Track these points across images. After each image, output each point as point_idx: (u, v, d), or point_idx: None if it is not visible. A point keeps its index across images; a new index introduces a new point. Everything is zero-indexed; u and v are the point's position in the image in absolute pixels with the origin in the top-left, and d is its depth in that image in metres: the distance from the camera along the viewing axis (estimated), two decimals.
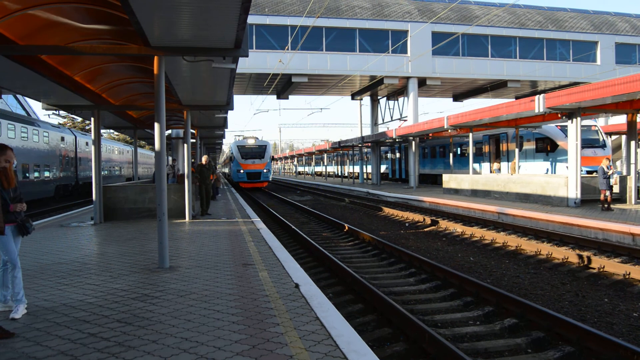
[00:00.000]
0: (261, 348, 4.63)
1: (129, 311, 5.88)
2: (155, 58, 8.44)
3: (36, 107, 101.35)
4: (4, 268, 5.94)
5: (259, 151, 42.67)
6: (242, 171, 41.40)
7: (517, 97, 44.28)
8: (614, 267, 10.20)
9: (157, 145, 8.53)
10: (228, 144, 70.22)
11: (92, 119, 15.21)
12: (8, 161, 5.75)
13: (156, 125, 8.48)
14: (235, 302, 6.18)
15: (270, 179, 47.78)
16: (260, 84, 39.35)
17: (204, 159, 17.87)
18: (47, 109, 15.58)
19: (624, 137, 32.76)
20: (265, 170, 42.19)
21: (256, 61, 32.89)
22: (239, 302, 6.14)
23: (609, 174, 16.81)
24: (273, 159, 53.22)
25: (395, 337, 6.54)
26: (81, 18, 8.48)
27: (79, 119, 60.54)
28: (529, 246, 12.67)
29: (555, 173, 26.05)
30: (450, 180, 27.87)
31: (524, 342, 6.31)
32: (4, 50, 8.45)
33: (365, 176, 49.80)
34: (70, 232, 13.30)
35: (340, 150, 58.28)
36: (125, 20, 7.85)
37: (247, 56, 8.68)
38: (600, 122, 32.91)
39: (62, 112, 17.71)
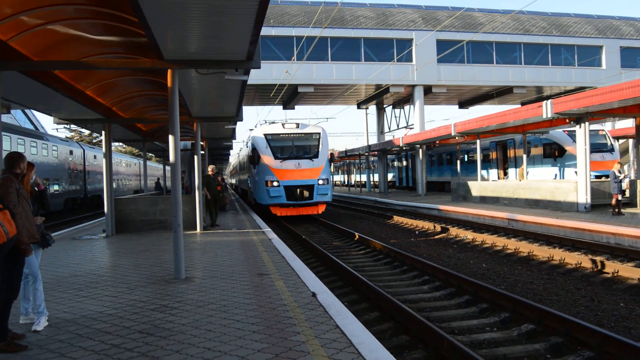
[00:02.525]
0: (284, 357, 4.66)
1: (150, 322, 5.93)
2: (169, 71, 8.53)
3: (44, 121, 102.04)
4: (25, 281, 6.00)
5: (306, 144, 23.99)
6: (276, 184, 22.30)
7: (522, 103, 44.26)
8: (628, 271, 10.17)
9: (172, 157, 8.62)
10: (236, 152, 47.74)
11: (103, 132, 15.34)
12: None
13: (170, 137, 8.56)
14: (254, 311, 6.22)
15: (331, 198, 24.55)
16: (266, 94, 39.53)
17: (210, 169, 17.92)
18: (58, 123, 15.73)
19: (631, 140, 32.76)
20: (320, 182, 22.70)
21: (262, 72, 32.99)
22: (258, 312, 6.18)
23: (620, 177, 16.76)
24: (332, 159, 26.49)
25: (413, 344, 6.55)
26: (95, 33, 8.62)
27: (86, 133, 60.95)
28: (541, 252, 12.65)
29: (563, 178, 25.99)
30: (458, 187, 27.85)
31: (543, 347, 6.32)
32: (20, 66, 8.57)
33: (372, 184, 49.79)
34: (83, 244, 13.39)
35: (347, 159, 58.30)
36: (137, 34, 7.97)
37: (259, 67, 8.77)
38: (606, 126, 32.85)
39: (66, 127, 17.89)
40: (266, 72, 32.99)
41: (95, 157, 40.77)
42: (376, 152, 43.11)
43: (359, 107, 46.81)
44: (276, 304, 6.53)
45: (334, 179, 68.48)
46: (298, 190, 22.31)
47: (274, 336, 5.24)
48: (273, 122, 25.35)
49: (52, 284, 8.18)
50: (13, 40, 7.85)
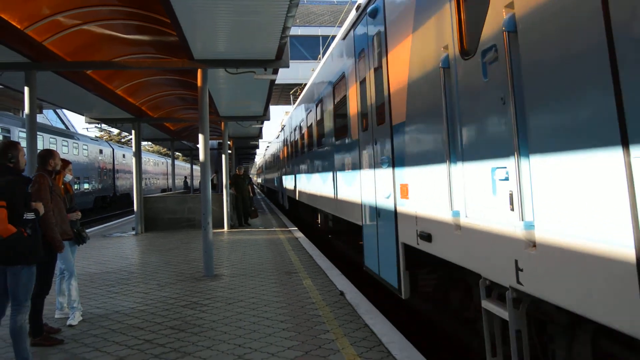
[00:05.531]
0: (314, 354, 4.68)
1: (181, 318, 6.01)
2: (199, 71, 8.64)
3: (74, 121, 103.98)
4: (61, 276, 6.15)
5: None
6: None
7: None
8: None
9: (201, 156, 8.72)
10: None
11: (133, 131, 15.60)
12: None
13: (200, 136, 8.67)
14: (283, 309, 6.25)
15: None
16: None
17: (239, 169, 18.05)
18: (89, 123, 16.02)
19: None
20: None
21: (288, 72, 33.06)
22: (287, 310, 6.22)
23: None
24: None
25: (443, 345, 6.51)
26: (127, 33, 8.78)
27: (115, 132, 61.94)
28: None
29: None
30: None
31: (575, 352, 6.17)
32: (54, 67, 8.77)
33: None
34: (114, 242, 13.63)
35: None
36: (168, 34, 8.10)
37: (288, 67, 8.81)
38: None
39: (97, 126, 18.25)
40: (292, 72, 33.10)
41: (124, 156, 41.45)
42: None
43: None
44: (305, 302, 6.56)
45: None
46: None
47: (304, 334, 5.27)
48: None
49: (85, 280, 8.35)
50: (48, 41, 8.05)
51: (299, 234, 14.00)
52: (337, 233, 11.95)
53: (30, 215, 4.47)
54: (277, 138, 28.10)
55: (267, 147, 40.60)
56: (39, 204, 4.73)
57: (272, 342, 5.06)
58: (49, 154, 5.73)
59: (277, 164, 27.49)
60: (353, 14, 7.58)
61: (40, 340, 5.19)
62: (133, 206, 16.18)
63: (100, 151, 35.85)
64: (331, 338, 5.12)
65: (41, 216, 4.69)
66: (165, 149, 58.73)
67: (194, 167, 40.41)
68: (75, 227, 6.02)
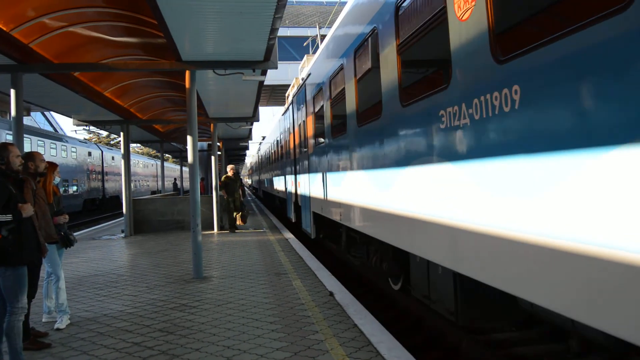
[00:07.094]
0: (303, 355, 4.68)
1: (169, 321, 5.99)
2: (187, 72, 8.62)
3: (63, 123, 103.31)
4: (48, 280, 6.12)
5: None
6: None
7: None
8: None
9: (190, 158, 8.69)
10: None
11: (122, 133, 15.53)
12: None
13: (189, 138, 8.64)
14: (272, 310, 6.25)
15: None
16: (281, 95, 39.65)
17: (230, 169, 17.40)
18: (77, 125, 15.92)
19: None
20: None
21: (277, 73, 33.02)
22: (276, 311, 6.21)
23: None
24: None
25: (432, 344, 6.53)
26: (115, 35, 8.74)
27: (104, 134, 61.58)
28: None
29: None
30: None
31: (563, 348, 6.24)
32: (41, 69, 8.71)
33: None
34: (103, 244, 13.55)
35: None
36: (156, 35, 8.07)
37: (276, 68, 8.81)
38: None
39: (85, 128, 18.05)
40: (282, 73, 33.08)
41: (113, 158, 41.24)
42: None
43: None
44: (294, 303, 6.56)
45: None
46: None
47: (293, 335, 5.27)
48: None
49: (73, 283, 8.30)
50: (34, 43, 7.99)
51: (289, 235, 14.00)
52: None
53: (2, 218, 4.40)
54: (283, 115, 19.55)
55: (262, 141, 35.26)
56: (25, 206, 4.64)
57: (261, 343, 5.05)
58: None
59: (282, 158, 19.59)
60: None
61: (27, 344, 5.13)
62: (122, 208, 16.11)
63: (89, 153, 35.65)
64: (320, 339, 5.13)
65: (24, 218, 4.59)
66: (154, 151, 58.48)
67: (184, 168, 40.32)
68: (62, 230, 5.98)
